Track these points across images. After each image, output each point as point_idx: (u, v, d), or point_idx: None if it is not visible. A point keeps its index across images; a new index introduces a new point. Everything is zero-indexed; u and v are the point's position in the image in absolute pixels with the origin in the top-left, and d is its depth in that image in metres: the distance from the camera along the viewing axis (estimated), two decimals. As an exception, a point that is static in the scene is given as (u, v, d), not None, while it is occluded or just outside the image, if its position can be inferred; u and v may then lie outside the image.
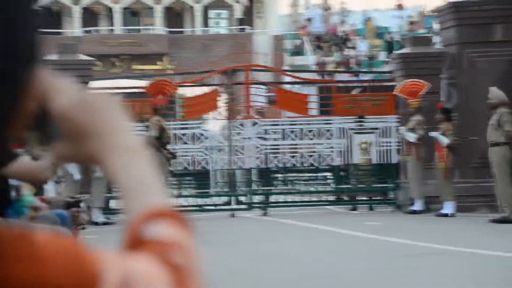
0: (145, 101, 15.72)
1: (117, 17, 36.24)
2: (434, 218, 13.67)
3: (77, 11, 35.82)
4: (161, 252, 0.83)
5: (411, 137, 14.64)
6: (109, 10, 36.41)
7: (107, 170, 0.90)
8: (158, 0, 36.14)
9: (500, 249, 8.66)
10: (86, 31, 34.86)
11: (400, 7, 37.36)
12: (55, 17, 35.39)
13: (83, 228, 12.90)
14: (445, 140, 14.03)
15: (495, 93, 12.56)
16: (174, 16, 36.77)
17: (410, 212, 14.68)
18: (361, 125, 16.19)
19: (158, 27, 36.15)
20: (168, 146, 14.25)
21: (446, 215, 13.78)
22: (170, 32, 35.17)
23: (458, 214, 13.85)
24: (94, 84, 16.17)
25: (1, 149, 0.85)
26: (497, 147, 12.30)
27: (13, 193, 4.71)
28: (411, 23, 35.90)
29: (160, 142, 13.55)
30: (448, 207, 13.89)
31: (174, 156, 14.04)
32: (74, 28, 35.63)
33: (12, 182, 4.66)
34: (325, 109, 16.27)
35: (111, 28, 36.25)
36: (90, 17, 35.89)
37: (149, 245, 0.84)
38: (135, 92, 16.39)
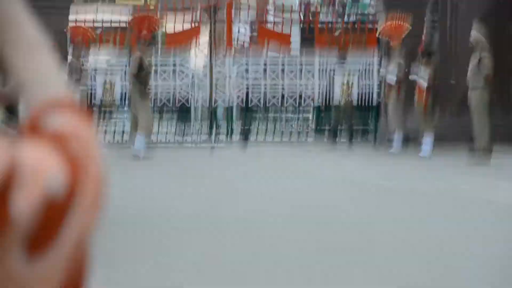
0: (127, 34, 15.59)
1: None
2: (412, 157, 13.64)
3: None
4: (58, 141, 0.82)
5: (391, 79, 14.65)
6: None
7: (7, 62, 0.89)
8: None
9: (473, 189, 8.73)
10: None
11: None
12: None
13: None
14: (425, 83, 14.04)
15: (476, 36, 12.55)
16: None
17: (389, 151, 14.67)
18: (342, 66, 16.15)
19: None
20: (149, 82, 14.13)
21: (424, 153, 13.71)
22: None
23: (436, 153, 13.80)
24: (74, 17, 15.99)
25: None
26: (476, 90, 12.36)
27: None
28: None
29: (139, 77, 13.45)
30: (427, 143, 13.78)
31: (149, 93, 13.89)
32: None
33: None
34: (307, 49, 16.21)
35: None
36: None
37: (46, 135, 0.83)
38: (117, 27, 16.24)
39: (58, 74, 0.90)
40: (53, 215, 0.79)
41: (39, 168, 0.79)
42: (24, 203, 0.77)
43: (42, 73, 0.89)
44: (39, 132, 0.83)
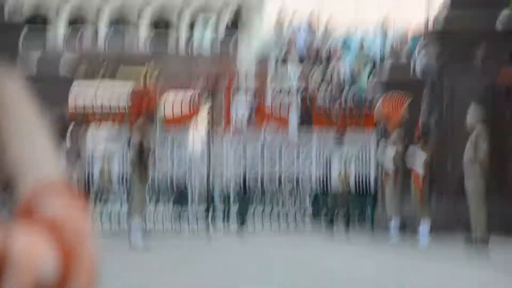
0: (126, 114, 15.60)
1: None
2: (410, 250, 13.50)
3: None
4: (51, 227, 0.81)
5: (389, 168, 14.64)
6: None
7: (4, 143, 0.89)
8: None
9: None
10: (72, 33, 34.62)
11: (384, 27, 37.50)
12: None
13: None
14: (421, 170, 14.01)
15: (472, 120, 12.66)
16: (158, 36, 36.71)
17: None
18: (340, 148, 16.09)
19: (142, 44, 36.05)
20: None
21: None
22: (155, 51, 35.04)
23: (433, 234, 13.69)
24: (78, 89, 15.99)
25: None
26: (473, 178, 12.36)
27: None
28: (394, 48, 36.04)
29: (140, 162, 13.46)
30: (423, 233, 13.77)
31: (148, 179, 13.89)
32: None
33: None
34: (305, 131, 16.22)
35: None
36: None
37: (39, 220, 0.82)
38: (117, 106, 16.29)
39: (54, 157, 0.89)
40: None
41: (31, 253, 0.78)
42: None
43: (37, 155, 0.88)
44: (32, 216, 0.83)
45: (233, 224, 16.28)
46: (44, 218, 0.83)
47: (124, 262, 11.73)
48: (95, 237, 0.84)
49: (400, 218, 14.65)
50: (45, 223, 0.82)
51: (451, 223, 14.35)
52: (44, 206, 0.84)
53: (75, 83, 15.86)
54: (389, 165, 14.67)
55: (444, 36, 15.03)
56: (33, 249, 0.79)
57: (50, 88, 15.22)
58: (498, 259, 11.39)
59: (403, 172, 14.63)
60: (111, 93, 17.54)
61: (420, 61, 18.05)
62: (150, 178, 13.90)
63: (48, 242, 0.80)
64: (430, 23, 15.58)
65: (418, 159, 14.15)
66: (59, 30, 35.74)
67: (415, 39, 16.37)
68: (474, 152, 12.35)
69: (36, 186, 0.86)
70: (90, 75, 32.48)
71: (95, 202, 16.09)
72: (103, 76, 32.78)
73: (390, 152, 14.80)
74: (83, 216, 0.85)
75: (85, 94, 17.15)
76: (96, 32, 36.24)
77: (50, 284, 0.78)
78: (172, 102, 16.15)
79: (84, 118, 15.12)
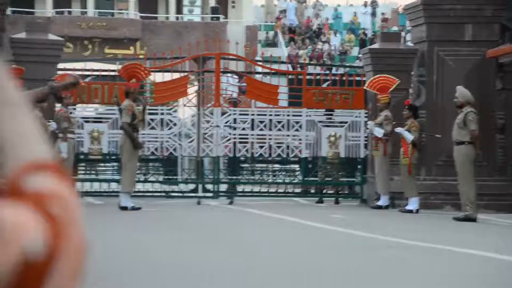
0: (116, 84, 15.65)
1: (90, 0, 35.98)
2: (399, 214, 13.78)
3: (50, -9, 35.50)
4: (39, 203, 0.82)
5: (379, 132, 14.72)
6: (83, -8, 36.12)
7: None
8: (133, -16, 35.91)
9: (461, 246, 8.75)
10: (58, 12, 34.57)
11: (373, 3, 37.48)
12: (27, -3, 35.02)
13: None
14: (410, 137, 14.12)
15: (462, 92, 12.64)
16: (148, 2, 36.58)
17: (375, 207, 14.78)
18: (330, 119, 16.27)
19: (132, 11, 35.94)
20: (140, 132, 14.14)
21: (410, 211, 13.89)
22: (144, 17, 34.99)
23: (423, 211, 13.98)
24: (63, 65, 16.06)
25: None
26: (462, 146, 12.39)
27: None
28: (384, 20, 36.04)
29: (131, 127, 13.46)
30: (413, 203, 14.01)
31: (141, 145, 13.91)
32: (46, 8, 35.30)
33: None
34: (295, 100, 16.31)
35: (84, 10, 35.97)
36: (63, -2, 35.56)
37: (27, 196, 0.83)
38: (105, 76, 16.30)
39: (38, 135, 0.90)
40: (32, 276, 0.78)
41: (19, 228, 0.79)
42: (2, 261, 0.77)
43: (22, 134, 0.89)
44: (19, 192, 0.83)
45: (223, 189, 16.39)
46: (31, 194, 0.83)
47: (114, 221, 11.82)
48: (81, 211, 0.84)
49: (389, 190, 14.76)
50: (33, 200, 0.83)
51: (440, 195, 14.49)
52: (31, 184, 0.84)
53: (60, 64, 15.76)
54: (380, 131, 14.72)
55: (434, 8, 15.06)
56: (20, 222, 0.80)
57: (38, 53, 15.18)
58: (486, 223, 11.52)
59: (393, 139, 14.70)
60: (100, 63, 17.48)
61: (411, 33, 18.05)
62: (141, 145, 13.91)
63: (36, 218, 0.81)
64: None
65: (408, 128, 14.21)
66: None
67: (407, 10, 16.29)
68: (463, 122, 12.37)
69: (23, 164, 0.86)
70: (78, 52, 32.43)
71: (86, 171, 16.13)
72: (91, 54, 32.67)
73: (380, 119, 14.84)
74: (70, 194, 0.86)
75: (73, 65, 17.05)
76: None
77: (38, 259, 0.79)
78: (160, 82, 16.11)
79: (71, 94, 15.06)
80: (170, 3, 36.43)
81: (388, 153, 14.76)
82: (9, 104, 0.90)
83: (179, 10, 36.63)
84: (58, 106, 14.74)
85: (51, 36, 16.10)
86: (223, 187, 16.47)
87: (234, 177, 16.56)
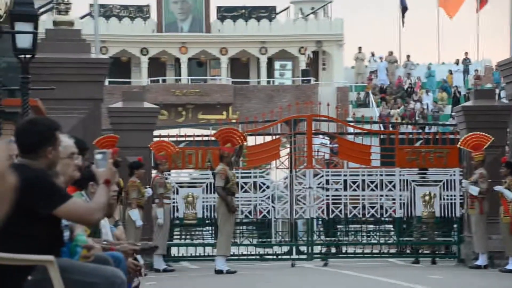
0: (210, 149, 15.85)
1: (184, 67, 36.80)
2: (499, 274, 13.40)
3: (145, 61, 36.51)
4: None
5: (474, 190, 14.45)
6: (176, 60, 37.01)
7: None
8: (224, 51, 36.61)
9: None
10: (153, 81, 35.46)
11: (466, 61, 37.10)
12: (123, 67, 36.11)
13: (145, 275, 13.04)
14: (510, 195, 13.80)
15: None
16: (239, 67, 37.18)
17: (474, 266, 14.42)
18: (424, 177, 16.06)
19: (224, 77, 36.57)
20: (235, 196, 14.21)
21: (511, 271, 13.50)
22: (235, 82, 35.53)
23: (523, 269, 13.55)
24: (158, 132, 16.41)
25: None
26: None
27: (66, 233, 4.79)
28: (477, 77, 35.59)
29: (226, 191, 13.57)
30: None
31: (235, 209, 13.99)
32: (141, 77, 36.28)
33: (65, 222, 4.74)
34: (388, 160, 16.19)
35: (177, 78, 36.80)
36: (157, 67, 36.53)
37: None
38: (199, 141, 16.56)
39: None
40: None
41: None
42: None
43: None
44: None
45: (317, 251, 16.28)
46: None
47: (209, 285, 11.86)
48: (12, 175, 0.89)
49: (487, 249, 14.41)
50: None
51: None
52: None
53: (156, 131, 16.11)
54: (475, 189, 14.44)
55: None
56: None
57: (136, 120, 15.58)
58: None
59: (490, 197, 14.39)
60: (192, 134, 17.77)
61: (505, 89, 17.78)
62: (236, 208, 13.99)
63: None
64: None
65: (507, 185, 13.90)
66: (143, 65, 36.53)
67: (500, 67, 16.09)
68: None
69: None
70: (173, 119, 33.10)
71: (181, 236, 16.27)
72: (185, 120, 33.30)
73: (476, 177, 14.57)
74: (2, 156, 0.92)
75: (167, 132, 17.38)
76: (179, 67, 36.95)
77: None
78: (252, 146, 16.26)
79: (168, 150, 15.34)
80: (261, 68, 36.93)
81: (485, 212, 14.44)
82: None
83: (270, 74, 37.08)
84: (154, 172, 15.03)
85: (146, 104, 16.52)
86: (317, 249, 16.36)
87: (329, 239, 16.44)
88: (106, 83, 26.33)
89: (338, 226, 16.57)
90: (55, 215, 4.55)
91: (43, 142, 4.64)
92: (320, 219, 16.52)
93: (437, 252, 16.44)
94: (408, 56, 37.60)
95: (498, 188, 13.95)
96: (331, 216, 16.11)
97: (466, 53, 37.35)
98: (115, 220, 7.42)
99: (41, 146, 4.64)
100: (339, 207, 16.07)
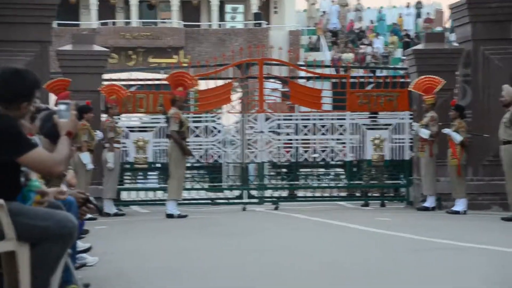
0: (161, 93, 15.75)
1: (134, 10, 36.30)
2: (446, 215, 13.66)
3: (94, 3, 35.91)
4: None
5: (425, 133, 14.61)
6: (126, 3, 36.47)
7: None
8: (175, -7, 36.16)
9: (509, 245, 8.63)
10: (103, 23, 34.95)
11: (418, 4, 37.21)
12: (72, 9, 35.49)
13: (94, 219, 13.00)
14: (458, 137, 13.99)
15: (509, 90, 12.47)
16: (190, 10, 36.80)
17: (422, 208, 14.66)
18: (374, 121, 16.18)
19: (175, 20, 36.19)
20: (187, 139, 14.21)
21: (457, 212, 13.76)
22: (187, 25, 35.20)
23: (470, 211, 13.84)
24: (108, 76, 16.22)
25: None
26: (508, 145, 12.22)
27: (22, 179, 4.76)
28: (428, 20, 35.76)
29: (179, 134, 13.55)
30: (460, 205, 13.87)
31: (191, 153, 14.02)
32: (90, 20, 35.72)
33: (23, 168, 4.72)
34: (339, 104, 16.26)
35: (127, 20, 36.32)
36: (106, 9, 35.97)
37: None
38: (150, 85, 16.42)
39: None
40: None
41: None
42: None
43: None
44: None
45: (268, 194, 16.40)
46: None
47: (160, 228, 11.90)
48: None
49: (435, 191, 14.65)
50: None
51: (488, 196, 14.33)
52: None
53: (106, 74, 15.91)
54: (425, 132, 14.60)
55: (480, 7, 14.91)
56: None
57: (83, 64, 15.36)
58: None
59: (440, 140, 14.57)
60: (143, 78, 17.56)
61: (455, 32, 17.89)
62: (191, 152, 14.00)
63: None
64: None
65: (454, 128, 14.07)
66: (92, 7, 35.94)
67: (451, 10, 16.14)
68: (510, 121, 12.19)
69: None
70: (123, 62, 32.74)
71: (131, 180, 16.26)
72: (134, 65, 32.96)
73: (426, 120, 14.72)
74: None
75: (117, 75, 17.20)
76: (129, 9, 36.43)
77: None
78: (203, 90, 16.17)
79: (119, 94, 15.20)
80: (212, 11, 36.60)
81: (434, 154, 14.63)
82: None
83: (221, 18, 36.79)
84: (104, 116, 14.89)
85: (96, 47, 16.27)
86: (268, 193, 16.48)
87: (279, 183, 16.55)
88: (55, 25, 25.85)
89: (289, 170, 16.68)
90: (17, 162, 4.57)
91: (22, 97, 4.70)
92: (271, 163, 16.60)
93: (386, 195, 16.68)
94: (357, 0, 37.55)
95: (446, 131, 14.12)
96: (281, 160, 16.19)
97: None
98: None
99: (19, 101, 4.70)
100: (289, 151, 16.15)
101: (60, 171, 4.66)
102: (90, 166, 13.79)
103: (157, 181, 16.71)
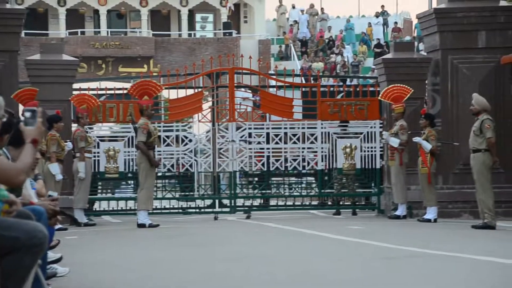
0: (131, 102, 15.70)
1: (103, 19, 36.16)
2: (417, 223, 13.73)
3: (62, 13, 35.72)
4: None
5: (395, 142, 14.69)
6: (95, 12, 36.33)
7: None
8: (145, 2, 36.10)
9: (481, 253, 8.69)
10: (71, 33, 34.76)
11: (384, 14, 37.47)
12: (40, 19, 35.27)
13: (65, 229, 12.91)
14: (428, 146, 14.07)
15: (478, 99, 12.58)
16: (160, 19, 36.73)
17: (393, 216, 14.73)
18: (345, 130, 16.24)
19: (145, 30, 36.10)
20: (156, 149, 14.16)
21: (429, 220, 13.84)
22: (156, 35, 35.12)
23: (440, 219, 13.92)
24: (78, 85, 16.13)
25: None
26: (478, 153, 12.31)
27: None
28: (396, 29, 36.00)
29: (147, 145, 13.49)
30: (431, 213, 13.95)
31: (158, 163, 13.94)
32: (59, 29, 35.52)
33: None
34: (310, 113, 16.30)
35: (97, 30, 36.16)
36: (75, 19, 35.79)
37: None
38: (120, 94, 16.35)
39: None
40: None
41: None
42: None
43: None
44: None
45: (240, 203, 16.37)
46: None
47: (132, 238, 11.83)
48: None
49: (406, 200, 14.73)
50: None
51: (458, 204, 14.44)
52: None
53: (75, 84, 15.82)
54: (395, 141, 14.68)
55: (447, 17, 15.05)
56: None
57: (53, 73, 15.26)
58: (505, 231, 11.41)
59: (410, 149, 14.65)
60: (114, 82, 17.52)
61: (423, 42, 18.03)
62: (158, 162, 13.93)
63: None
64: (433, 5, 15.55)
65: (425, 137, 14.16)
66: (61, 16, 35.74)
67: (419, 19, 16.27)
68: (480, 129, 12.28)
69: None
70: (92, 72, 32.59)
71: (102, 190, 16.17)
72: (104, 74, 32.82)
73: (396, 129, 14.81)
74: None
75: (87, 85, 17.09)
76: (98, 18, 36.28)
77: None
78: (174, 99, 16.14)
79: (89, 104, 15.12)
80: (182, 20, 36.56)
81: (404, 163, 14.71)
82: None
83: (191, 27, 36.76)
84: (74, 126, 14.80)
85: (65, 57, 16.18)
86: (240, 202, 16.45)
87: (251, 192, 16.54)
88: (23, 34, 25.66)
89: (260, 179, 16.68)
90: None
91: None
92: (242, 173, 16.59)
93: (357, 203, 16.74)
94: (322, 9, 37.70)
95: (416, 139, 14.21)
96: (253, 169, 16.19)
97: (383, 6, 37.76)
98: (35, 174, 7.27)
99: None
100: (261, 160, 16.15)
101: (22, 181, 4.57)
102: (59, 176, 13.69)
103: (128, 191, 16.63)
